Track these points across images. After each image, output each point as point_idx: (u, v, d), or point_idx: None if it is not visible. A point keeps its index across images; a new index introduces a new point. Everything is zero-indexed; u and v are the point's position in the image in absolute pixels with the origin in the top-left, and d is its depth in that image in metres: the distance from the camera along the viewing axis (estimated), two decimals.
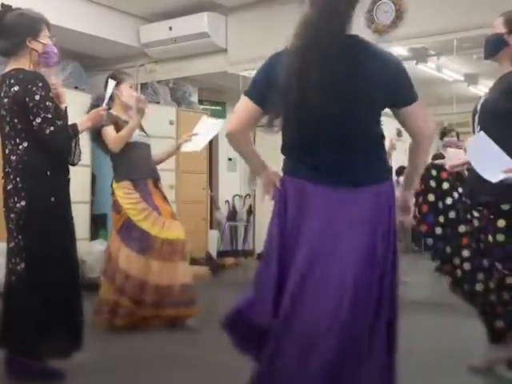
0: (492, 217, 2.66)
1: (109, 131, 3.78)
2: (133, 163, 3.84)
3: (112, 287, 3.75)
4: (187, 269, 3.92)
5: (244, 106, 1.94)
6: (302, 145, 1.93)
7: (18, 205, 2.59)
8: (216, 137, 7.93)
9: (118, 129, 3.80)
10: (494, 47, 2.68)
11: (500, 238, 2.64)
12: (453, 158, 6.25)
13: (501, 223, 2.62)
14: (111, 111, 3.81)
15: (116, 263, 3.76)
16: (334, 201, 1.86)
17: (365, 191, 1.88)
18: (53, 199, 2.63)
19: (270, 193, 2.03)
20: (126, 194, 3.80)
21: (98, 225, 6.16)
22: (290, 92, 1.83)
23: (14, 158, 2.62)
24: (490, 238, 2.68)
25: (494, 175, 2.47)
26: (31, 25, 2.67)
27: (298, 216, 1.89)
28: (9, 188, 2.63)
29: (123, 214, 3.79)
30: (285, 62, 1.85)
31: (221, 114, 7.87)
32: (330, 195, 1.87)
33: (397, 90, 1.89)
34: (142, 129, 4.01)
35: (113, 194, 3.88)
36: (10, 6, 2.71)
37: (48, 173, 2.63)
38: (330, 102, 1.79)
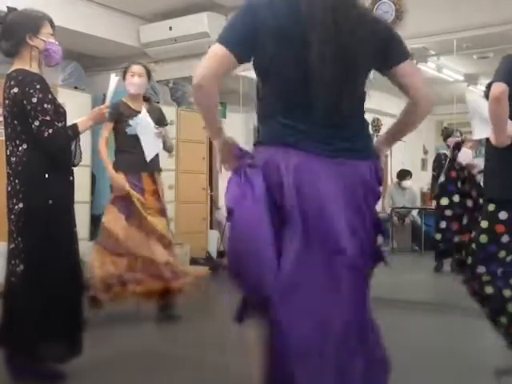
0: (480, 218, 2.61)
1: (104, 127, 3.88)
2: (126, 156, 3.91)
3: (115, 259, 3.80)
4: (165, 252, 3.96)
5: (215, 53, 1.72)
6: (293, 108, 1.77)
7: (16, 207, 2.59)
8: None
9: (117, 123, 3.89)
10: None
11: (483, 239, 2.57)
12: (463, 157, 6.22)
13: (484, 224, 2.57)
14: (124, 100, 3.95)
15: (116, 237, 3.83)
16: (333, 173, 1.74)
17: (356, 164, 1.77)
18: (50, 202, 2.62)
19: (230, 163, 1.87)
20: None
21: (97, 225, 6.14)
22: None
23: (14, 159, 2.62)
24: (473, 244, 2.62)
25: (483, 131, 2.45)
26: (31, 22, 2.66)
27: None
28: (9, 189, 2.63)
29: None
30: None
31: (221, 114, 7.87)
32: (329, 166, 1.74)
33: (389, 48, 1.85)
34: (158, 121, 4.07)
35: None
36: (15, 8, 2.70)
37: (47, 175, 2.62)
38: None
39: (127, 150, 3.90)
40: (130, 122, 3.87)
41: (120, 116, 3.87)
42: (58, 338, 2.64)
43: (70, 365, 2.74)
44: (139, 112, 3.94)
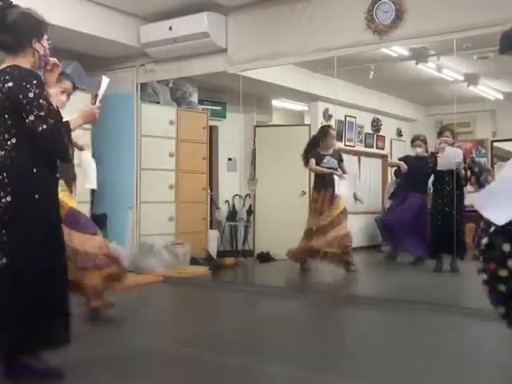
0: None
1: None
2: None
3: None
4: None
5: None
6: None
7: (3, 200, 2.61)
8: (216, 137, 7.99)
9: None
10: None
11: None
12: (453, 155, 6.26)
13: None
14: None
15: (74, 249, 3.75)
16: None
17: None
18: (37, 196, 2.64)
19: None
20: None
21: (97, 225, 6.14)
22: None
23: (2, 153, 2.64)
24: None
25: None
26: (38, 27, 2.74)
27: None
28: None
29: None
30: None
31: (221, 114, 7.87)
32: None
33: None
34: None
35: None
36: (11, 2, 2.73)
37: (34, 170, 2.65)
38: None
39: None
40: None
41: None
42: (43, 330, 2.63)
43: (69, 365, 2.74)
44: None
